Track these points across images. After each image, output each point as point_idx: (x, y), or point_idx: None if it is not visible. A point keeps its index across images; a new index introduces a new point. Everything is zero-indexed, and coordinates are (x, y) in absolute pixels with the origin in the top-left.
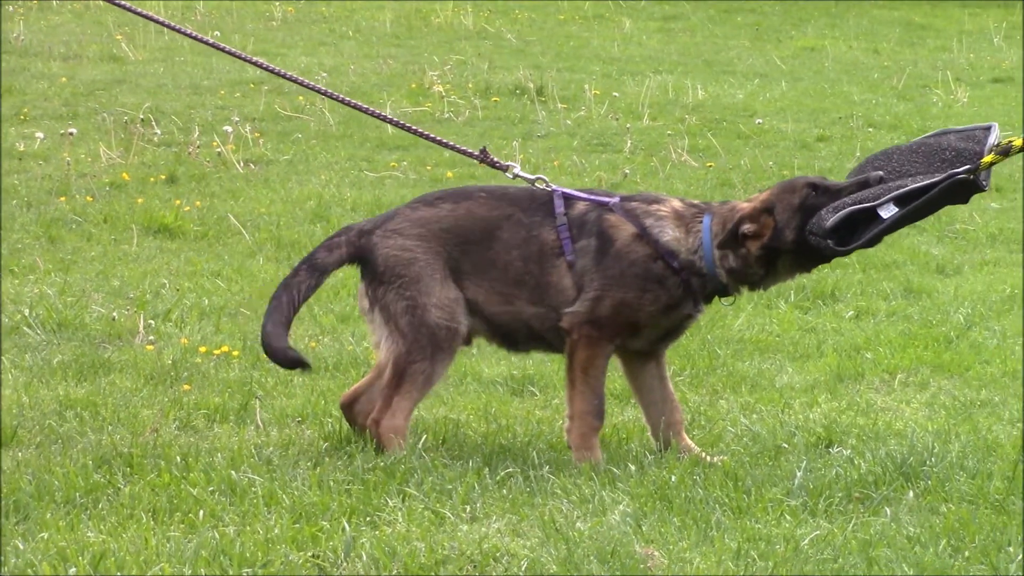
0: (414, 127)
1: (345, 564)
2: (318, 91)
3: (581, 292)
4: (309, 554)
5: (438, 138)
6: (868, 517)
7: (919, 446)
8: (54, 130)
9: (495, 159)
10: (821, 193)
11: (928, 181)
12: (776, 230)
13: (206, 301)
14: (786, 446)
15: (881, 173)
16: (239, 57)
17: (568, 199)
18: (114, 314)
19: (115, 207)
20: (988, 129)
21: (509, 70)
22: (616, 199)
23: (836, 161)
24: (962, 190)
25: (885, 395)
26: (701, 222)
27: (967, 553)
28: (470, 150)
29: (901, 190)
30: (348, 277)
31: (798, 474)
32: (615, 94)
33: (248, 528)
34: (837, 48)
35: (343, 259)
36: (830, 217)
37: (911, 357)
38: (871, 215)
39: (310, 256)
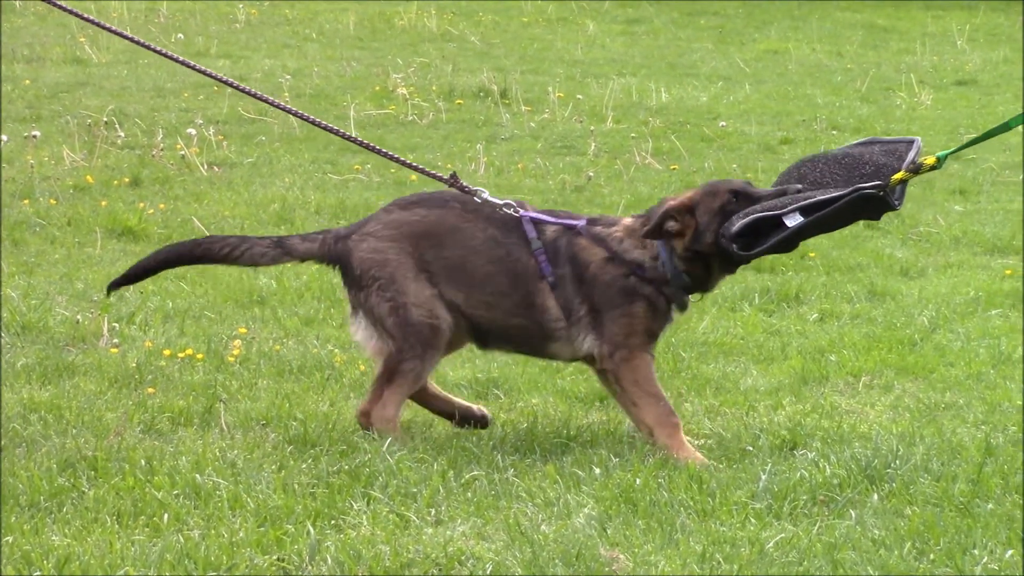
0: (388, 152)
1: (310, 567)
2: (276, 105)
3: (569, 316)
4: (274, 557)
5: (408, 161)
6: (833, 520)
7: (884, 449)
8: (17, 133)
9: (465, 184)
10: (742, 199)
11: (834, 194)
12: (697, 231)
13: (170, 304)
14: (751, 449)
15: (799, 185)
16: (183, 63)
17: (537, 223)
18: (78, 317)
19: (79, 210)
20: (911, 144)
21: (473, 72)
22: (583, 222)
23: None
24: (872, 205)
25: (849, 398)
26: None
27: (932, 556)
28: (440, 175)
29: (807, 200)
30: (312, 281)
31: (763, 477)
32: (579, 97)
33: (213, 532)
34: (800, 51)
35: (312, 253)
36: (737, 222)
37: (875, 360)
38: (777, 223)
39: (282, 237)
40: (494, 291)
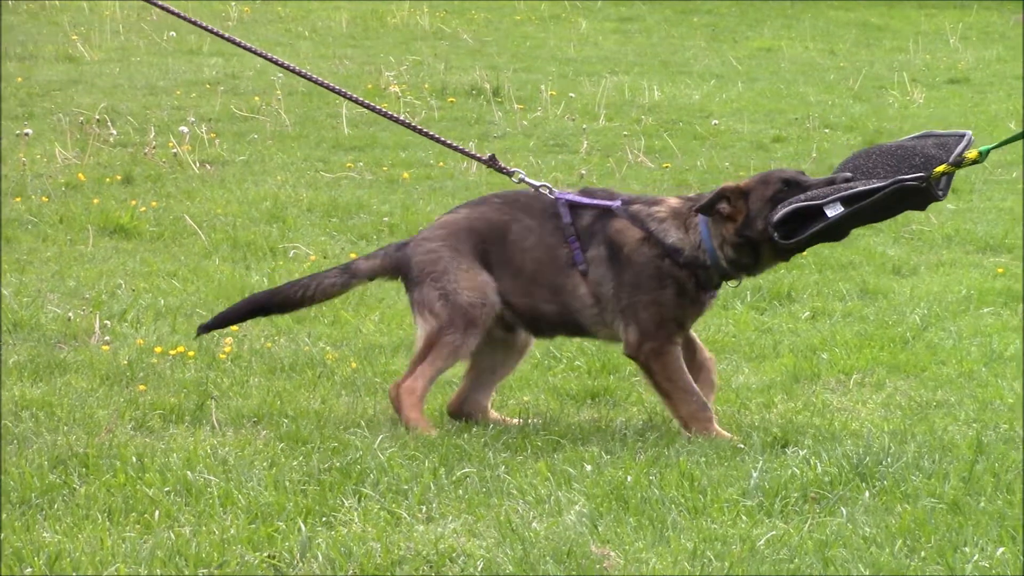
0: (427, 131)
1: (301, 564)
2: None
3: (600, 301)
4: (265, 554)
5: (450, 142)
6: (824, 517)
7: (875, 446)
8: (9, 130)
9: (503, 165)
10: (793, 188)
11: (875, 184)
12: (748, 218)
13: (162, 302)
14: (742, 446)
15: (848, 174)
16: (266, 57)
17: (573, 206)
18: (70, 314)
19: (71, 208)
20: (961, 137)
21: (465, 71)
22: (619, 202)
23: (792, 162)
24: (916, 197)
25: (841, 395)
26: (698, 217)
27: (923, 553)
28: (480, 155)
29: (848, 191)
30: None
31: (754, 474)
32: (571, 95)
33: (204, 529)
34: (793, 49)
35: (376, 269)
36: (780, 210)
37: (867, 358)
38: (818, 212)
39: (348, 263)
40: (530, 279)
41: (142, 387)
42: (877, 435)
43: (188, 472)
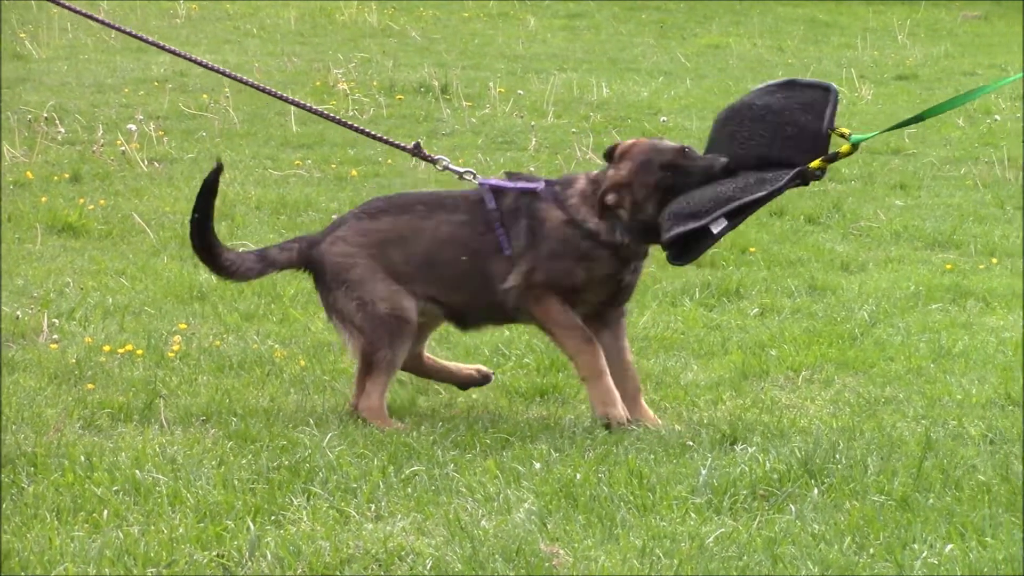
0: (351, 123)
1: (250, 563)
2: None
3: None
4: (214, 553)
5: (374, 133)
6: (773, 515)
7: (824, 443)
8: None
9: (427, 153)
10: (677, 174)
11: (755, 196)
12: (635, 205)
13: (110, 300)
14: (691, 444)
15: (725, 159)
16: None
17: (497, 191)
18: (18, 313)
19: (19, 206)
20: (827, 92)
21: (414, 68)
22: (541, 184)
23: None
24: (797, 185)
25: (790, 392)
26: None
27: (872, 550)
28: (404, 144)
29: (732, 204)
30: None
31: (703, 472)
32: (520, 92)
33: (152, 528)
34: (742, 46)
35: (292, 261)
36: (665, 234)
37: (816, 354)
38: (704, 232)
39: (263, 249)
40: (462, 276)
41: (90, 386)
42: (826, 432)
43: (137, 471)
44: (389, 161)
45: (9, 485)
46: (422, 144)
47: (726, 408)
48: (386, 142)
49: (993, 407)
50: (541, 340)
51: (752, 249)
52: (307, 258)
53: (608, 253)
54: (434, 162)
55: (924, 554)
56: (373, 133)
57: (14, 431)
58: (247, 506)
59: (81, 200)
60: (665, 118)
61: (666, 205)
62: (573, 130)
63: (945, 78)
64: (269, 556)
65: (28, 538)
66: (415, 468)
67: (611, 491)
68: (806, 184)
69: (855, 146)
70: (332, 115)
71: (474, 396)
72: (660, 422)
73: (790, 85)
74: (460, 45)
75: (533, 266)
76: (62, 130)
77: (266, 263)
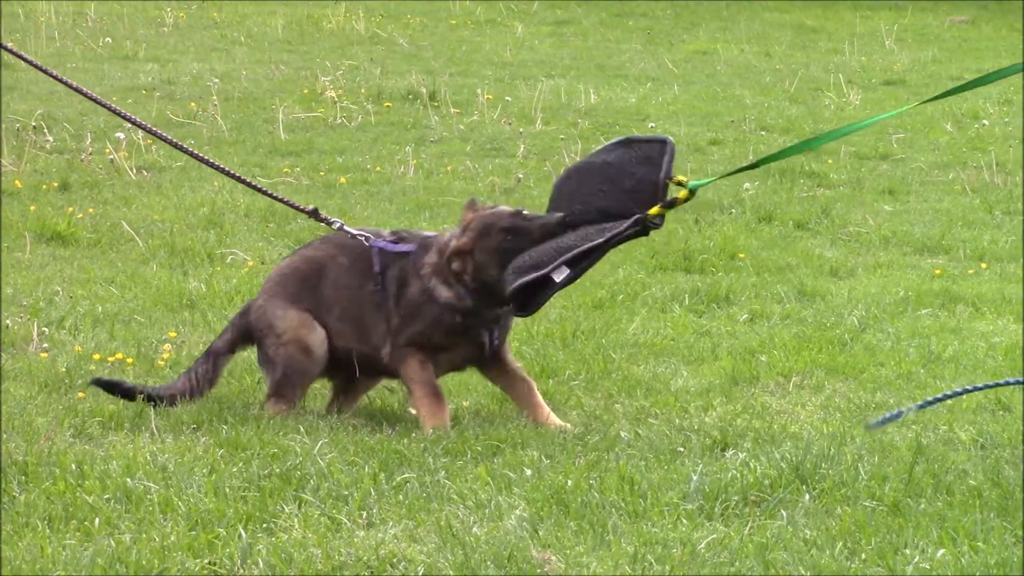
0: (257, 185)
1: (242, 571)
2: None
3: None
4: (206, 561)
5: (273, 193)
6: (764, 520)
7: (815, 449)
8: None
9: (324, 216)
10: (517, 236)
11: (595, 243)
12: (477, 268)
13: (100, 308)
14: (682, 450)
15: (562, 215)
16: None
17: (384, 253)
18: (7, 322)
19: (7, 214)
20: (664, 145)
21: (402, 75)
22: (414, 248)
23: (729, 164)
24: (636, 235)
25: (780, 398)
26: None
27: (863, 555)
28: (303, 207)
29: (572, 252)
30: (242, 284)
31: (694, 478)
32: (508, 99)
33: (144, 536)
34: (729, 51)
35: (233, 342)
36: (509, 285)
37: (806, 360)
38: (546, 280)
39: (207, 348)
40: (349, 321)
41: (81, 394)
42: (817, 437)
43: (128, 479)
44: (378, 169)
45: (0, 493)
46: (414, 153)
47: (717, 414)
48: (287, 203)
49: (983, 412)
50: (530, 347)
51: (741, 255)
52: (243, 329)
53: (460, 319)
54: (331, 224)
55: (916, 559)
56: (269, 192)
57: (5, 440)
58: (239, 514)
59: (70, 209)
60: (653, 124)
61: (508, 266)
62: (561, 137)
63: (933, 83)
64: (261, 564)
65: (20, 547)
66: (406, 475)
67: (602, 497)
68: (646, 233)
69: (692, 192)
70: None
71: (465, 403)
72: (559, 421)
73: (628, 143)
74: (448, 52)
75: (399, 328)
76: (50, 139)
77: (213, 356)
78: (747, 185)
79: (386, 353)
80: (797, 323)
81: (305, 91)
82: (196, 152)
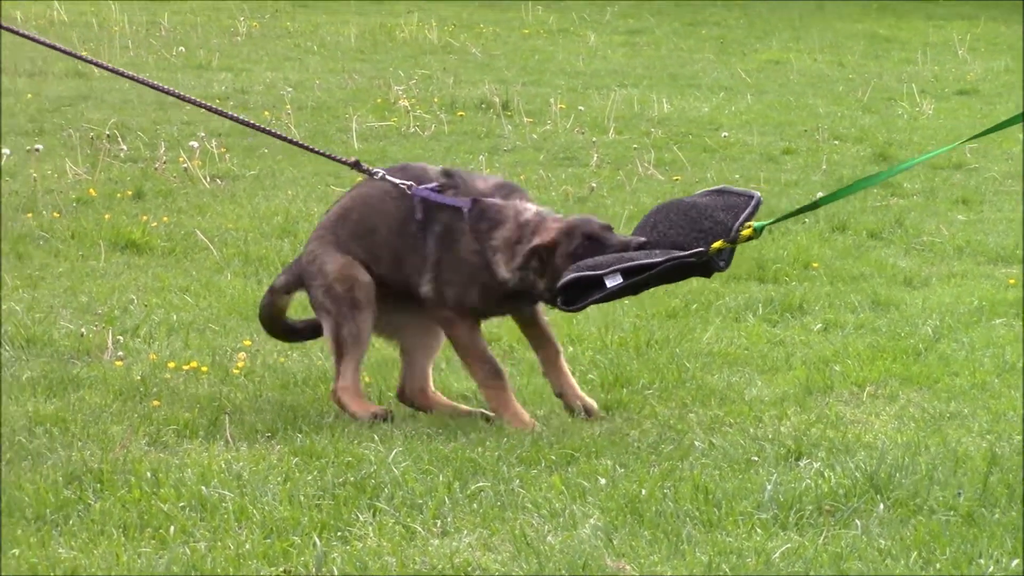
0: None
1: None
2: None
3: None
4: (280, 569)
5: (311, 147)
6: (839, 530)
7: (889, 458)
8: (20, 146)
9: (366, 166)
10: (592, 245)
11: (651, 260)
12: (554, 270)
13: (174, 317)
14: (756, 459)
15: (644, 239)
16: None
17: (427, 203)
18: (82, 330)
19: (82, 223)
20: (750, 199)
21: (474, 84)
22: (467, 205)
23: (802, 174)
24: (697, 269)
25: (854, 408)
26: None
27: (938, 565)
28: (344, 158)
29: (628, 263)
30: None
31: (768, 487)
32: (580, 108)
33: (219, 544)
34: (802, 61)
35: (289, 283)
36: (563, 277)
37: (880, 369)
38: (598, 282)
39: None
40: (391, 254)
41: (156, 402)
42: (891, 447)
43: (203, 487)
44: None
45: (75, 501)
46: (487, 163)
47: (791, 423)
48: (326, 156)
49: None
50: (604, 356)
51: (815, 264)
52: (297, 274)
53: (508, 291)
54: (372, 175)
55: (990, 569)
56: (306, 145)
57: (80, 448)
58: (313, 522)
59: (144, 217)
60: (726, 133)
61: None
62: (634, 146)
63: (1006, 92)
64: (335, 572)
65: (95, 554)
66: (481, 484)
67: (677, 507)
68: (708, 274)
69: (758, 232)
70: (269, 128)
71: (539, 412)
72: (584, 396)
73: (720, 192)
74: (520, 61)
75: (441, 286)
76: (124, 148)
77: (271, 293)
78: (820, 194)
79: (425, 294)
80: (871, 333)
81: (378, 100)
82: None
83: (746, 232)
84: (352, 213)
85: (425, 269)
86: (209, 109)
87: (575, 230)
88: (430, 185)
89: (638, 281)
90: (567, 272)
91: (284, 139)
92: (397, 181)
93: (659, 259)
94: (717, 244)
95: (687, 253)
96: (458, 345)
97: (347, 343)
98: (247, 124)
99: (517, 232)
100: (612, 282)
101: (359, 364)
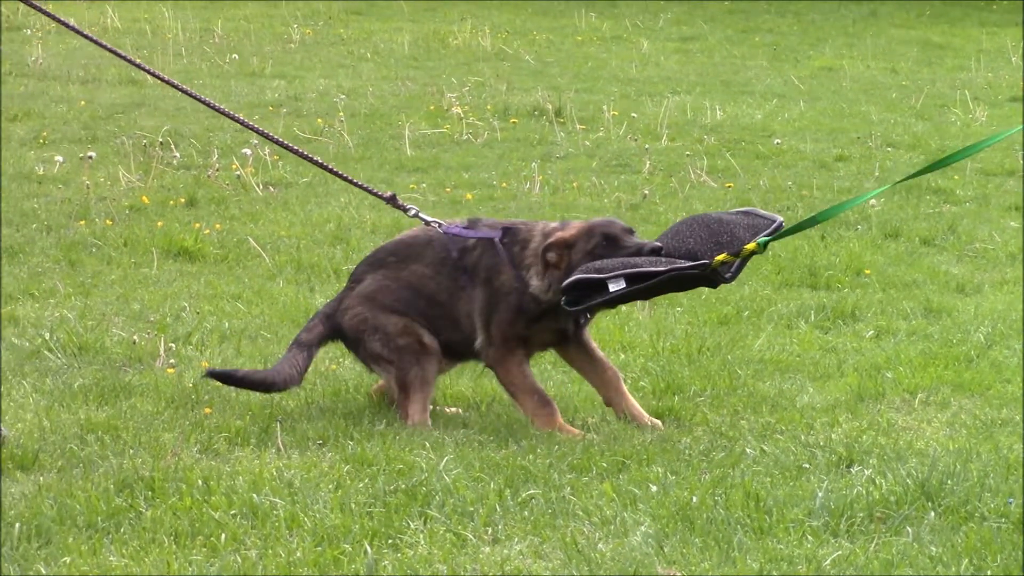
0: (328, 165)
1: None
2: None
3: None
4: None
5: (350, 177)
6: (890, 537)
7: (940, 465)
8: (73, 154)
9: (402, 202)
10: (610, 245)
11: (654, 268)
12: (570, 267)
13: (226, 324)
14: (807, 466)
15: (659, 245)
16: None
17: (458, 239)
18: (135, 337)
19: (135, 230)
20: (772, 222)
21: (527, 91)
22: (499, 234)
23: (855, 180)
24: (702, 280)
25: (906, 414)
26: None
27: (989, 572)
28: (380, 192)
29: (631, 269)
30: None
31: (819, 494)
32: (633, 115)
33: (270, 552)
34: (855, 68)
35: (322, 337)
36: (569, 278)
37: (932, 376)
38: (602, 285)
39: (295, 340)
40: (435, 313)
41: (207, 410)
42: (942, 454)
43: (254, 495)
44: (504, 185)
45: (127, 509)
46: (539, 169)
47: (842, 430)
48: (364, 188)
49: None
50: (656, 363)
51: (867, 271)
52: (332, 329)
53: (546, 311)
54: (406, 210)
55: None
56: (354, 180)
57: (131, 455)
58: (364, 530)
59: (197, 224)
60: (779, 140)
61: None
62: (687, 153)
63: None
64: None
65: (146, 562)
66: (531, 491)
67: (727, 514)
68: (713, 284)
69: (763, 246)
70: (306, 153)
71: (591, 419)
72: (647, 416)
73: (747, 213)
74: (574, 68)
75: (487, 320)
76: (177, 155)
77: (305, 349)
78: (873, 202)
79: (479, 344)
80: (923, 339)
81: (431, 107)
82: (313, 156)
83: (750, 246)
84: (392, 284)
85: (475, 315)
86: (245, 125)
87: (595, 229)
88: (459, 222)
89: (641, 288)
90: (575, 273)
91: (323, 166)
92: (428, 219)
93: (662, 268)
94: (720, 257)
95: (689, 264)
96: (508, 383)
97: (415, 384)
98: (288, 148)
99: (543, 241)
100: (615, 286)
101: (428, 403)
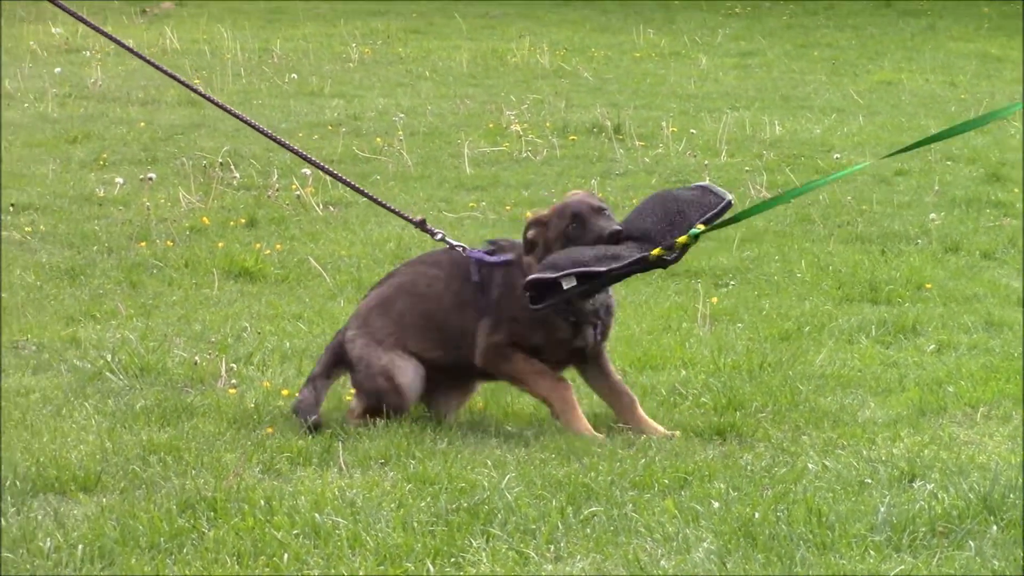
0: (363, 189)
1: None
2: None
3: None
4: None
5: (381, 200)
6: (952, 552)
7: (1003, 479)
8: (133, 175)
9: (430, 227)
10: (580, 226)
11: (599, 269)
12: (547, 244)
13: (288, 344)
14: (869, 481)
15: (618, 228)
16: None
17: (481, 264)
18: (196, 358)
19: (195, 251)
20: (722, 199)
21: (586, 108)
22: (514, 256)
23: (915, 195)
24: (652, 265)
25: (968, 429)
26: None
27: None
28: (410, 216)
29: (579, 269)
30: None
31: (882, 509)
32: (692, 131)
33: (333, 571)
34: (914, 81)
35: (329, 363)
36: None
37: (993, 390)
38: (556, 283)
39: (309, 379)
40: (447, 332)
41: (269, 430)
42: (1004, 468)
43: (316, 514)
44: None
45: (189, 530)
46: (599, 187)
47: (904, 445)
48: (394, 212)
49: None
50: (717, 379)
51: (928, 285)
52: (338, 357)
53: (560, 319)
54: (434, 235)
55: None
56: (384, 203)
57: (193, 476)
58: (427, 548)
59: (257, 245)
60: (838, 155)
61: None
62: (746, 168)
63: None
64: None
65: None
66: (594, 508)
67: (790, 530)
68: (663, 266)
69: (694, 238)
70: (346, 178)
71: (653, 436)
72: (664, 430)
73: (704, 189)
74: (632, 85)
75: (495, 323)
76: (237, 175)
77: (319, 384)
78: (933, 215)
79: (480, 350)
80: (984, 353)
81: (490, 125)
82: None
83: (681, 240)
84: (396, 303)
85: (485, 315)
86: (289, 148)
87: (566, 209)
88: (482, 248)
89: (594, 284)
90: (535, 270)
91: (359, 191)
92: (454, 243)
93: (603, 268)
94: (656, 252)
95: (628, 262)
96: (514, 373)
97: (387, 410)
98: (331, 174)
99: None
100: (568, 284)
101: (368, 416)
